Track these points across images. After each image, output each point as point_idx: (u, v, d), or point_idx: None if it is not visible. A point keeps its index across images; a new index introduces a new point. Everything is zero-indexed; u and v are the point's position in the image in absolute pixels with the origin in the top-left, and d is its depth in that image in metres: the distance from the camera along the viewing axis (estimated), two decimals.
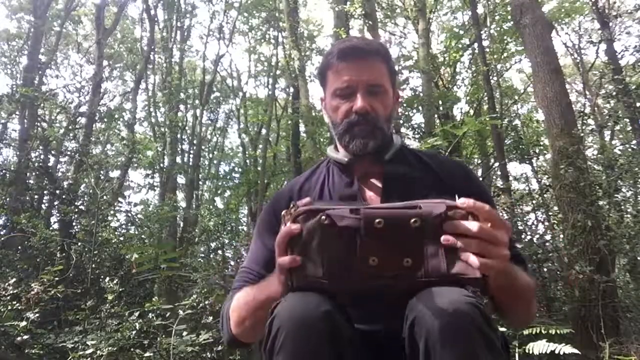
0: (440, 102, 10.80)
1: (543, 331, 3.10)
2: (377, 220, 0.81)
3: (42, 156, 8.37)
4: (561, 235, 5.82)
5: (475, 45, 9.56)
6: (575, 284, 4.54)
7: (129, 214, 7.68)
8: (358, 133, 1.18)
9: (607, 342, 3.66)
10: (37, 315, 4.75)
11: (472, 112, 11.48)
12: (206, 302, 4.21)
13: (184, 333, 3.75)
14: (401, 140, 1.29)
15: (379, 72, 1.21)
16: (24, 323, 4.32)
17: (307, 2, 14.45)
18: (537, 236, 5.88)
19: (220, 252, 11.15)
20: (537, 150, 7.81)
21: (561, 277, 5.03)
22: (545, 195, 6.83)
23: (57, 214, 7.62)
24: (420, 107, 9.19)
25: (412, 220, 0.81)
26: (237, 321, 1.06)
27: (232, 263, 8.69)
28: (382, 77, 1.22)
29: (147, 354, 3.63)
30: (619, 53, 7.75)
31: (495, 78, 9.37)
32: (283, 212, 0.90)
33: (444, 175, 1.21)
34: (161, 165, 12.59)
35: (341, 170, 1.24)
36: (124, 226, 7.56)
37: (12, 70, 14.44)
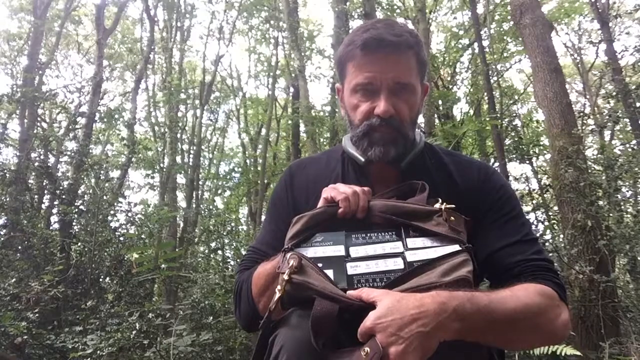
0: (440, 102, 10.81)
1: None
2: None
3: (42, 156, 8.36)
4: (561, 235, 5.82)
5: (475, 45, 9.55)
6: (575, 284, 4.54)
7: (129, 214, 7.67)
8: (378, 139, 1.07)
9: (607, 342, 3.66)
10: (37, 315, 4.76)
11: (472, 112, 11.48)
12: (206, 302, 4.22)
13: (184, 333, 3.75)
14: (423, 140, 1.18)
15: (406, 68, 1.07)
16: (24, 323, 4.32)
17: (307, 2, 14.47)
18: (537, 236, 5.86)
19: (220, 252, 11.14)
20: (537, 150, 7.80)
21: (561, 277, 5.03)
22: (545, 195, 6.82)
23: (57, 214, 7.61)
24: None
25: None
26: (257, 292, 1.05)
27: (232, 263, 8.69)
28: (410, 73, 1.08)
29: (147, 354, 3.63)
30: (619, 53, 7.73)
31: (495, 78, 9.36)
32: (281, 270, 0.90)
33: (461, 180, 1.13)
34: (161, 165, 12.58)
35: (357, 168, 1.16)
36: (124, 226, 7.55)
37: (12, 70, 14.44)
